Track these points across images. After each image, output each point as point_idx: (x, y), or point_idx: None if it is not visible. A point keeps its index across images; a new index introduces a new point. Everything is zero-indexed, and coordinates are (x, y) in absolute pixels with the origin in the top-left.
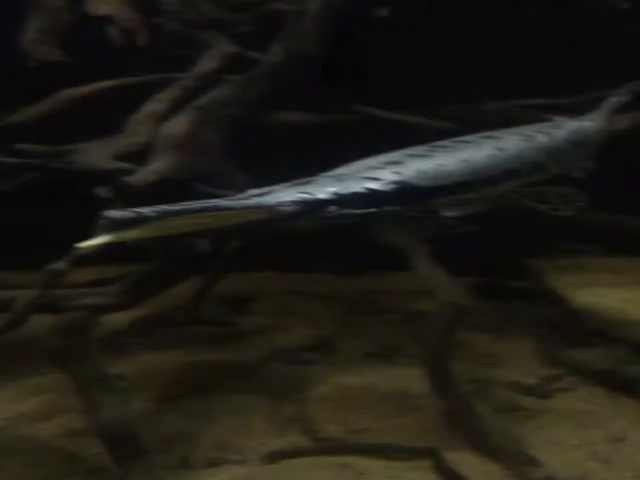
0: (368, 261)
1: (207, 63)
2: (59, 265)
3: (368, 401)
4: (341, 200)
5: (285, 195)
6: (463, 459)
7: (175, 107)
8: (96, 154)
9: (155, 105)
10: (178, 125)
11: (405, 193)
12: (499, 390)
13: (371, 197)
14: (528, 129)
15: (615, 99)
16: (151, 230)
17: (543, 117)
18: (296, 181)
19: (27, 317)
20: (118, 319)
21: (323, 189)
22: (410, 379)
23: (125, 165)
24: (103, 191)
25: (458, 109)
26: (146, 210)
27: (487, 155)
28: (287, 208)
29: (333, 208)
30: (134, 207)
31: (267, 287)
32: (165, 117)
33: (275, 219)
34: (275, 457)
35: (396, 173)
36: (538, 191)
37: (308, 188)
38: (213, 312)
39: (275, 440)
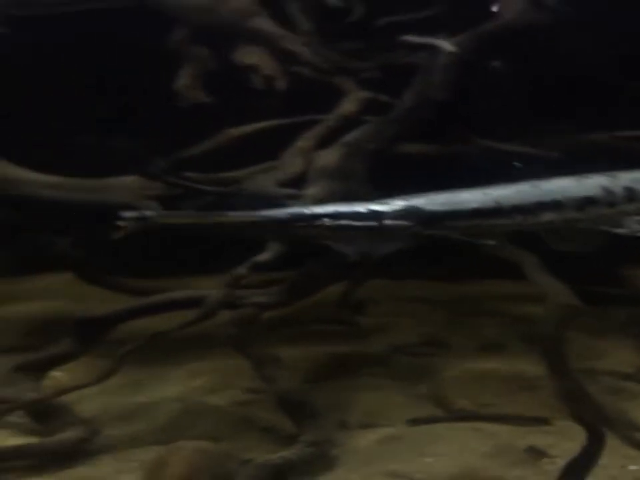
0: (469, 269)
1: (346, 106)
2: (241, 270)
3: (491, 382)
4: (337, 215)
5: (289, 209)
6: (573, 427)
7: (321, 143)
8: (263, 181)
9: (305, 141)
10: (329, 157)
11: (411, 214)
12: (601, 377)
13: (370, 216)
14: None
15: None
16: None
17: None
18: None
19: (216, 312)
20: None
21: (325, 206)
22: (525, 365)
23: (290, 191)
24: None
25: (565, 140)
26: (149, 212)
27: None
28: (282, 216)
29: (326, 220)
30: None
31: (381, 292)
32: (313, 151)
33: (265, 224)
34: (418, 421)
35: (417, 198)
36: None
37: (314, 206)
38: (333, 313)
39: (414, 411)
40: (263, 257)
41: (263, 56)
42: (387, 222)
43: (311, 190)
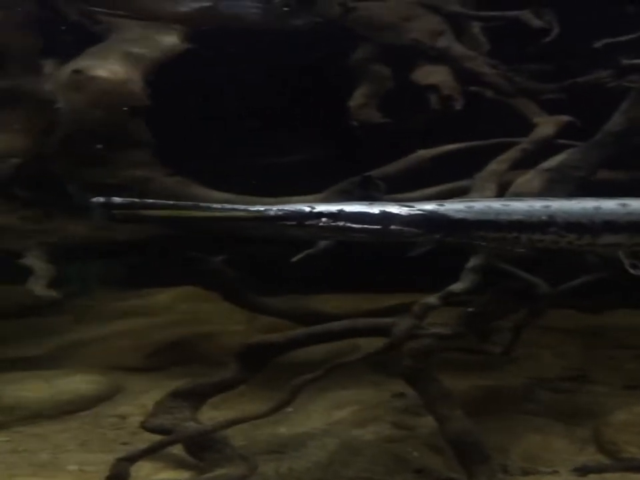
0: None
1: (542, 130)
2: (432, 300)
3: None
4: (340, 215)
5: (289, 206)
6: None
7: (514, 167)
8: None
9: (497, 165)
10: (529, 183)
11: (434, 220)
12: None
13: (381, 218)
14: None
15: None
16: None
17: None
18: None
19: (404, 341)
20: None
21: (330, 205)
22: None
23: None
24: None
25: None
26: (117, 198)
27: (585, 207)
28: (270, 212)
29: (325, 220)
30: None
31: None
32: (506, 174)
33: (257, 219)
34: (586, 470)
35: (439, 204)
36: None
37: (318, 203)
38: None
39: (575, 457)
40: (458, 286)
41: (443, 75)
42: (393, 227)
43: None
